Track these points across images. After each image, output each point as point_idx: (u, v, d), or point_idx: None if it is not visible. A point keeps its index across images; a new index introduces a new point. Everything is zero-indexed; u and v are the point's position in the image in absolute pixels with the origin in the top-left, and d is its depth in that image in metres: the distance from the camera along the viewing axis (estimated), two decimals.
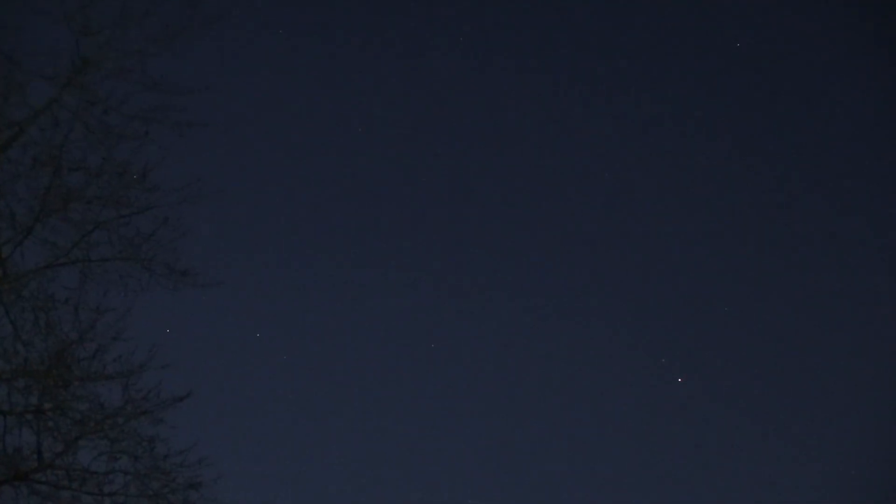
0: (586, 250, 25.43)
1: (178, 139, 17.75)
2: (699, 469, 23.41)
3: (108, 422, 16.76)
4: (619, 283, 25.36)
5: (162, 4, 17.93)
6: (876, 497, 20.79)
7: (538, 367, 24.71)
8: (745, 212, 25.44)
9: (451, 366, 24.42)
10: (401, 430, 23.69)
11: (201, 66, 19.13)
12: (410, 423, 23.77)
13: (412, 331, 24.65)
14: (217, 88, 18.36)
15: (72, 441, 16.67)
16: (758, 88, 25.46)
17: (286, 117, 24.54)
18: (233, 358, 22.61)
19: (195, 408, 17.09)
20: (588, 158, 25.73)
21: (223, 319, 22.57)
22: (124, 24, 17.74)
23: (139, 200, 17.32)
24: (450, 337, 24.61)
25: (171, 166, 17.67)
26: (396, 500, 22.29)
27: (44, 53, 17.53)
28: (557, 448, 23.90)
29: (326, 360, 24.10)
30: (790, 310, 24.93)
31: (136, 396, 16.89)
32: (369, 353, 24.42)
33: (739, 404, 24.17)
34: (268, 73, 24.00)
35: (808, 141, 25.54)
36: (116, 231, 17.26)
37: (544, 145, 25.86)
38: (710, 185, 25.51)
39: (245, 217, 23.24)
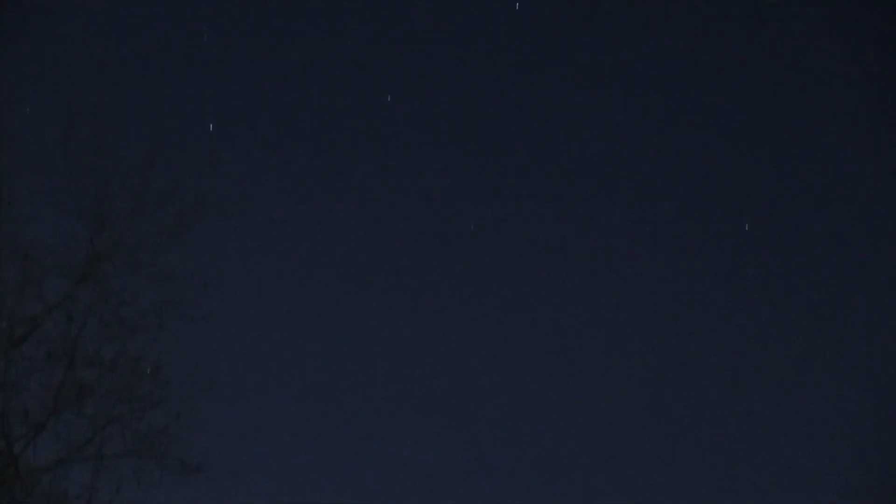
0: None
1: (191, 330, 17.94)
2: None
3: None
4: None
5: (174, 199, 18.32)
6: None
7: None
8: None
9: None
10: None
11: (212, 256, 19.33)
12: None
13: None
14: (229, 280, 18.58)
15: None
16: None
17: (295, 304, 24.58)
18: None
19: None
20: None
21: None
22: (138, 218, 18.09)
23: (152, 394, 17.42)
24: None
25: (183, 359, 17.81)
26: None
27: (59, 248, 17.82)
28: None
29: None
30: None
31: None
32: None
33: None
34: (276, 264, 24.17)
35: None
36: (129, 426, 17.31)
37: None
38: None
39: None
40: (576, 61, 25.27)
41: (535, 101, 25.24)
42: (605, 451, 22.96)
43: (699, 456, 22.74)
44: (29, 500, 16.65)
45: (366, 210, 24.29)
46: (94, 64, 19.71)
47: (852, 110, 24.23)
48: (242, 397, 19.31)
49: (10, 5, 19.30)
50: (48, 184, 17.85)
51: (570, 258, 24.73)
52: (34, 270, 17.51)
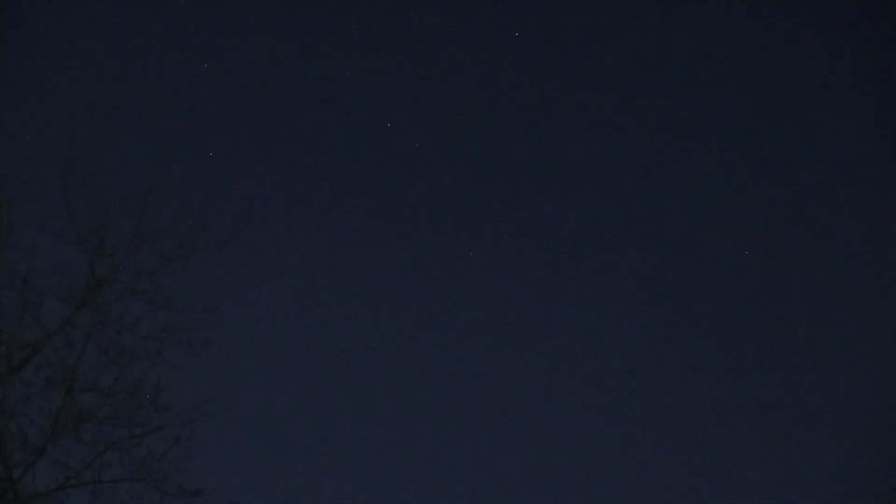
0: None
1: (190, 357, 17.98)
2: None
3: None
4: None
5: (174, 226, 18.40)
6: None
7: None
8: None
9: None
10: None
11: (212, 284, 19.37)
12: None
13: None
14: (227, 307, 18.63)
15: None
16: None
17: (294, 330, 24.54)
18: None
19: None
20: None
21: None
22: (137, 245, 18.15)
23: (151, 420, 17.44)
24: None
25: (182, 384, 17.83)
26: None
27: (58, 274, 17.86)
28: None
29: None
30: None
31: None
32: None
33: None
34: (274, 291, 24.17)
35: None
36: (128, 451, 17.34)
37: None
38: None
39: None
40: (574, 65, 25.36)
41: (536, 102, 25.34)
42: (605, 451, 22.95)
43: (699, 456, 22.74)
44: None
45: (365, 237, 24.40)
46: (95, 92, 19.91)
47: (852, 111, 24.32)
48: (241, 422, 19.33)
49: (10, 30, 19.48)
50: (48, 210, 17.96)
51: (570, 258, 24.76)
52: (34, 296, 17.57)
